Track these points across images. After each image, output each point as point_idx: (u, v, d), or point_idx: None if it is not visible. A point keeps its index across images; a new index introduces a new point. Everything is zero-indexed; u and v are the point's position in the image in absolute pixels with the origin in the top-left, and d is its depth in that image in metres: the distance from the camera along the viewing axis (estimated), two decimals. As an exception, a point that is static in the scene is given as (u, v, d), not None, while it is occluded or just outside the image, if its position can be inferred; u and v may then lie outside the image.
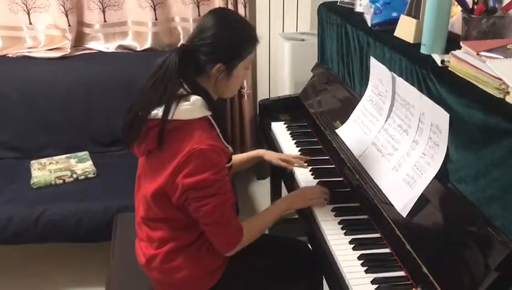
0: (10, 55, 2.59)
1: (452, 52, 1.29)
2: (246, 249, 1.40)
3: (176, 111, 1.29)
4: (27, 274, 2.32)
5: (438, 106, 1.27)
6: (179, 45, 1.36)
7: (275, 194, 2.43)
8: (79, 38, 2.67)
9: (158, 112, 1.30)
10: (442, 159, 1.28)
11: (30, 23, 2.61)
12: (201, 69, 1.36)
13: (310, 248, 1.61)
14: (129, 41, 2.72)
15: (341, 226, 1.50)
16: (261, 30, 2.82)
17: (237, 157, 1.80)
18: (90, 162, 2.35)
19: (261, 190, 2.91)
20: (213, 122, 1.37)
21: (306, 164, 1.83)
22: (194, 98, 1.32)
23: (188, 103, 1.31)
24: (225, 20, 1.38)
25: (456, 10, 1.49)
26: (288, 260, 1.55)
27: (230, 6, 2.65)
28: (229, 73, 1.37)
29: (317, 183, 1.72)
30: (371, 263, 1.34)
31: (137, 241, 1.52)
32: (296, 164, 1.81)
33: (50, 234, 2.05)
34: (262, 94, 2.90)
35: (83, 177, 2.26)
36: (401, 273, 1.30)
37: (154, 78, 1.31)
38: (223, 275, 1.43)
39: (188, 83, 1.35)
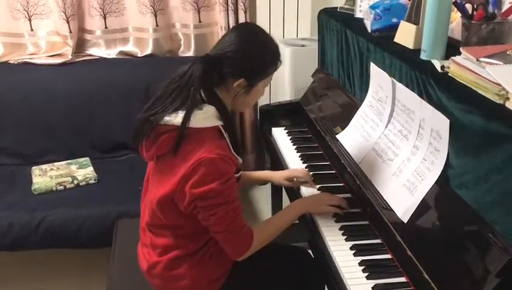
0: (11, 62, 2.59)
1: (452, 58, 1.29)
2: (247, 257, 1.40)
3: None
4: (27, 281, 2.32)
5: (438, 112, 1.28)
6: (204, 54, 1.37)
7: (276, 199, 2.43)
8: (80, 45, 2.68)
9: (171, 119, 1.30)
10: (443, 165, 1.28)
11: (31, 30, 2.61)
12: (222, 81, 1.36)
13: (311, 254, 1.61)
14: (130, 48, 2.73)
15: (342, 231, 1.49)
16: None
17: (245, 175, 1.77)
18: (91, 168, 2.35)
19: (262, 195, 2.90)
20: (223, 132, 1.36)
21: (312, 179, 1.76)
22: (207, 107, 1.33)
23: (200, 111, 1.31)
24: (254, 37, 1.39)
25: (456, 16, 1.49)
26: (290, 267, 1.54)
27: (230, 12, 2.66)
28: (249, 89, 1.38)
29: (318, 189, 1.71)
30: (372, 269, 1.33)
31: (140, 246, 1.52)
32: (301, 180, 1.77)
33: (51, 240, 2.04)
34: (263, 99, 2.89)
35: (84, 183, 2.26)
36: (402, 279, 1.30)
37: (176, 85, 1.32)
38: (225, 284, 1.43)
39: (206, 92, 1.35)
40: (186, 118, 1.29)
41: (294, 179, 1.78)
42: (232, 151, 1.38)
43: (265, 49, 1.40)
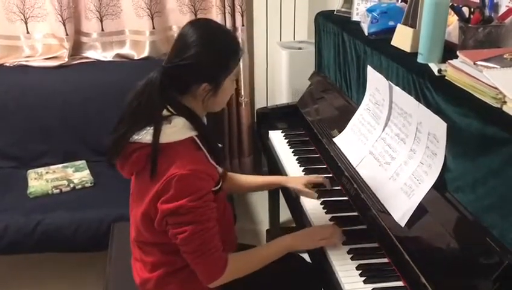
0: (7, 64, 2.58)
1: (449, 61, 1.29)
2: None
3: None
4: (23, 284, 2.30)
5: (435, 115, 1.27)
6: (160, 66, 1.29)
7: (273, 203, 2.42)
8: (76, 47, 2.67)
9: (140, 137, 1.26)
10: (440, 169, 1.28)
11: (27, 32, 2.60)
12: (185, 89, 1.30)
13: (309, 259, 1.60)
14: (127, 50, 2.72)
15: (339, 235, 1.49)
16: (258, 39, 2.84)
17: (254, 180, 1.74)
18: (87, 171, 2.34)
19: (259, 198, 2.90)
20: (199, 142, 1.31)
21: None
22: (176, 120, 1.27)
23: (169, 125, 1.26)
24: (209, 36, 1.29)
25: (453, 19, 1.49)
26: (287, 273, 1.52)
27: (227, 15, 2.66)
28: (216, 90, 1.30)
29: (315, 192, 1.71)
30: (369, 273, 1.33)
31: (132, 259, 1.50)
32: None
33: (47, 243, 2.03)
34: (260, 102, 2.90)
35: (80, 186, 2.25)
36: (400, 283, 1.29)
37: (137, 103, 1.28)
38: None
39: (172, 104, 1.29)
40: (156, 136, 1.24)
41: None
42: (211, 161, 1.33)
43: (223, 47, 1.30)
